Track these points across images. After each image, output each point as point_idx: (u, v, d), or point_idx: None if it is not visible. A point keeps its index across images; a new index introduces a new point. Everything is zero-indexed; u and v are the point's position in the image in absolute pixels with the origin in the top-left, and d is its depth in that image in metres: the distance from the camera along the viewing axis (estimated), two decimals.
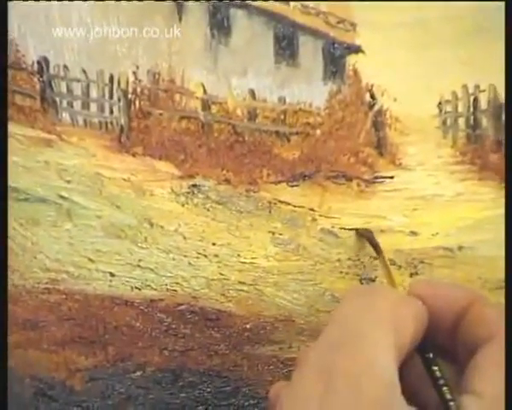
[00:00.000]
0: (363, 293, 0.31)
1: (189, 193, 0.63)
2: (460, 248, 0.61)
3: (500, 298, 0.59)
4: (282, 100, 0.63)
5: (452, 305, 0.31)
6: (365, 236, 0.33)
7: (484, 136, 0.62)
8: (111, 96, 0.65)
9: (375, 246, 0.34)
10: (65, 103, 0.66)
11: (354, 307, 0.30)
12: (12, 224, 0.65)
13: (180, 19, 0.63)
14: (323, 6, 0.63)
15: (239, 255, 0.63)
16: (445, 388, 0.30)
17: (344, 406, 0.25)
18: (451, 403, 0.29)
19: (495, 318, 0.31)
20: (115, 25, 0.63)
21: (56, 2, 0.63)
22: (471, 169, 0.62)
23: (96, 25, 0.63)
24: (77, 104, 0.66)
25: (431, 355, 0.31)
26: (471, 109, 0.62)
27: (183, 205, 0.64)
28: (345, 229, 0.63)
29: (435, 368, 0.31)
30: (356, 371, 0.26)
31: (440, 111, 0.62)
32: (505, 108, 0.57)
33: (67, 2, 0.63)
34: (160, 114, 0.64)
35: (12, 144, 0.64)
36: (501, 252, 0.60)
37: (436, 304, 0.32)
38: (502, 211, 0.61)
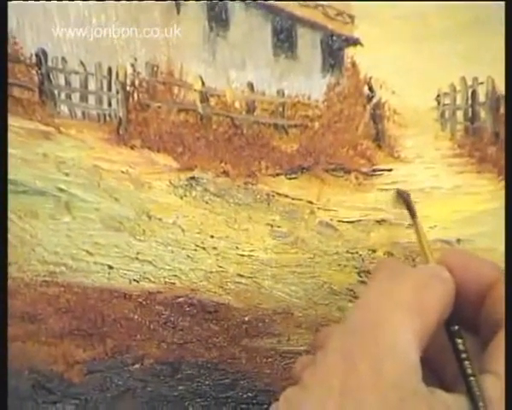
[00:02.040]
0: (387, 276, 0.31)
1: (187, 185, 0.63)
2: (458, 240, 0.61)
3: None
4: (280, 92, 0.63)
5: (481, 279, 0.31)
6: (402, 197, 0.32)
7: (482, 128, 0.62)
8: (109, 89, 0.65)
9: (411, 208, 0.33)
10: (63, 96, 0.66)
11: (378, 291, 0.30)
12: (10, 216, 0.65)
13: (178, 11, 0.63)
14: None
15: (237, 248, 0.63)
16: (466, 362, 0.29)
17: (365, 388, 0.25)
18: (472, 378, 0.28)
19: None
20: (113, 19, 0.63)
21: None
22: (469, 162, 0.62)
23: (94, 18, 0.63)
24: (75, 97, 0.66)
25: (456, 328, 0.31)
26: (469, 102, 0.62)
27: (181, 197, 0.64)
28: (343, 222, 0.63)
29: (459, 341, 0.30)
30: (377, 355, 0.26)
31: (438, 103, 0.62)
32: (505, 102, 0.57)
33: None
34: (159, 107, 0.64)
35: (10, 137, 0.64)
36: (499, 245, 0.60)
37: (465, 276, 0.31)
38: (500, 204, 0.61)
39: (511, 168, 0.43)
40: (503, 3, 0.54)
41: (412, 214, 0.33)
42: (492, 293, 0.31)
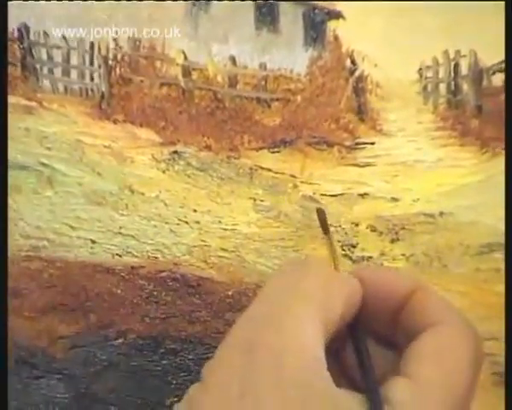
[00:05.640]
0: (294, 268, 0.30)
1: (169, 160, 0.63)
2: (441, 213, 0.61)
3: (481, 264, 0.59)
4: (262, 66, 0.63)
5: (394, 292, 0.30)
6: (318, 215, 0.31)
7: (465, 101, 0.62)
8: (91, 63, 0.65)
9: (324, 225, 0.33)
10: (45, 70, 0.66)
11: (283, 282, 0.28)
12: None
13: None
14: None
15: (220, 222, 0.63)
16: (370, 373, 0.28)
17: (265, 380, 0.24)
18: (374, 389, 0.26)
19: (437, 305, 0.29)
20: None
21: None
22: (452, 135, 0.62)
23: None
24: (57, 71, 0.66)
25: (360, 336, 0.30)
26: (452, 75, 0.62)
27: (163, 172, 0.64)
28: (326, 195, 0.63)
29: (363, 349, 0.29)
30: (278, 346, 0.25)
31: (421, 77, 0.62)
32: (505, 80, 0.58)
33: None
34: (141, 81, 0.64)
35: None
36: (482, 218, 0.60)
37: (378, 289, 0.30)
38: (483, 176, 0.61)
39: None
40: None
41: (325, 231, 0.32)
42: (409, 304, 0.30)
